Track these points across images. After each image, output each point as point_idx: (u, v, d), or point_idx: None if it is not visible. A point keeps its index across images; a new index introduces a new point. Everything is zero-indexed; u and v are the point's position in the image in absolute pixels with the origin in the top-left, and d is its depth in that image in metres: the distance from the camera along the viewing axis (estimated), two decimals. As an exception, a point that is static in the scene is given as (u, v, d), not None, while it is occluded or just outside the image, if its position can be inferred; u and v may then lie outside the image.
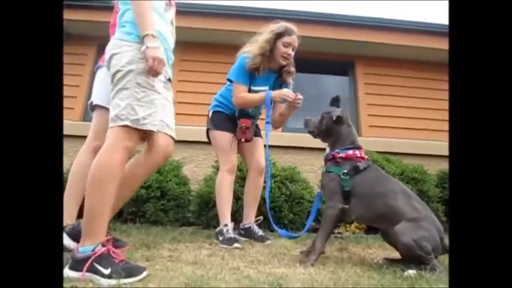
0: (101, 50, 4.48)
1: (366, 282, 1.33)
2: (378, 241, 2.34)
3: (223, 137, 2.32)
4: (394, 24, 4.57)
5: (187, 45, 4.36)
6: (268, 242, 2.21)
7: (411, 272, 1.44)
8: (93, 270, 1.21)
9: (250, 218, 2.41)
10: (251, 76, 2.25)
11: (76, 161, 1.89)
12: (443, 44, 4.56)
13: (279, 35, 2.21)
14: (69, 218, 1.74)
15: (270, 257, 1.77)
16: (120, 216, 2.80)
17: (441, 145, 4.42)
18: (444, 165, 3.96)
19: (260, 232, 2.34)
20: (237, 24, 4.24)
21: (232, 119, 2.36)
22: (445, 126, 4.97)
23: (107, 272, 1.20)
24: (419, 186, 3.23)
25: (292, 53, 2.26)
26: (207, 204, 2.98)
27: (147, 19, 1.41)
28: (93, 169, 1.33)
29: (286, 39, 2.21)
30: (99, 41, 4.37)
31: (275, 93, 2.18)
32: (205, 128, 2.47)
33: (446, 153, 3.50)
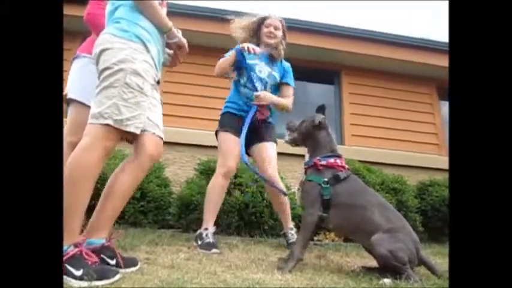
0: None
1: (342, 290, 1.34)
2: (356, 249, 2.36)
3: (225, 138, 2.27)
4: (381, 37, 4.67)
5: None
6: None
7: (386, 280, 1.46)
8: (64, 271, 1.17)
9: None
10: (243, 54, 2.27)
11: None
12: (427, 59, 4.71)
13: (261, 20, 2.38)
14: None
15: (248, 262, 1.76)
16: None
17: (421, 157, 4.53)
18: (423, 176, 4.06)
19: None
20: (225, 27, 4.24)
21: (238, 119, 2.29)
22: (426, 138, 5.14)
23: (78, 273, 1.16)
24: (399, 196, 3.29)
25: (277, 32, 2.34)
26: (187, 207, 2.95)
27: (162, 15, 1.50)
28: (68, 167, 1.28)
29: (267, 21, 2.37)
30: (82, 36, 4.30)
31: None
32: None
33: (426, 164, 3.57)
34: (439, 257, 2.32)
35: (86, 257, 1.24)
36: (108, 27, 1.46)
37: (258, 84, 2.26)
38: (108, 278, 1.19)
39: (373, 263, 1.79)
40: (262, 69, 2.31)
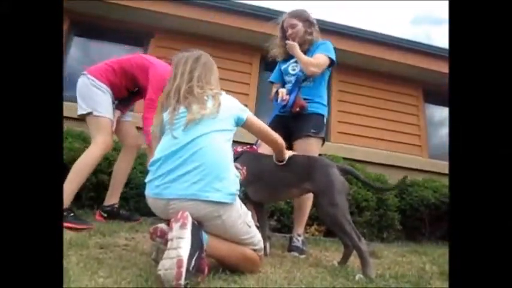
0: (73, 26, 4.29)
1: (319, 283, 1.36)
2: (335, 244, 2.40)
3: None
4: (374, 37, 4.68)
5: (168, 32, 4.29)
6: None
7: (361, 276, 1.50)
8: None
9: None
10: (282, 65, 2.48)
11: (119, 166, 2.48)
12: (416, 61, 4.77)
13: (281, 27, 2.46)
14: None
15: (228, 253, 1.76)
16: (78, 201, 2.69)
17: (403, 157, 4.61)
18: (404, 177, 4.14)
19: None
20: (225, 18, 4.20)
21: (281, 117, 2.30)
22: (409, 139, 5.20)
23: None
24: (380, 194, 3.35)
25: (295, 29, 2.37)
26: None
27: None
28: None
29: (284, 25, 2.43)
30: (70, 15, 4.18)
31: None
32: None
33: (408, 165, 3.63)
34: (414, 255, 2.39)
35: None
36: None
37: (290, 79, 2.35)
38: None
39: (350, 258, 1.82)
40: (293, 67, 2.38)
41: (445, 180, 3.72)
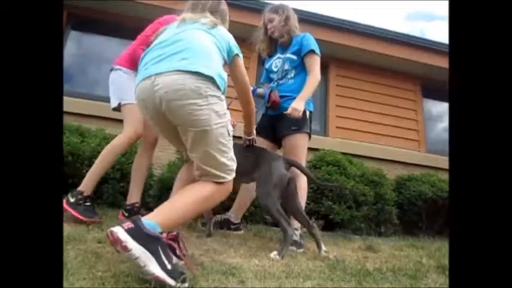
0: (70, 19, 4.25)
1: (317, 277, 1.36)
2: (333, 238, 2.41)
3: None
4: (372, 31, 4.67)
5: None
6: None
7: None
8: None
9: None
10: (266, 63, 2.54)
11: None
12: (415, 56, 4.76)
13: (263, 25, 2.49)
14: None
15: (226, 247, 1.77)
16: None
17: (401, 152, 4.62)
18: (402, 171, 4.16)
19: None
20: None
21: (268, 117, 2.36)
22: (407, 134, 5.20)
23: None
24: (378, 189, 3.35)
25: (272, 23, 2.41)
26: (168, 190, 2.92)
27: None
28: None
29: (264, 21, 2.47)
30: (67, 8, 4.14)
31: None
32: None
33: (405, 160, 3.64)
34: (411, 249, 2.40)
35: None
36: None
37: (273, 76, 2.41)
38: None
39: (348, 252, 1.84)
40: (276, 63, 2.42)
41: (443, 175, 3.74)
